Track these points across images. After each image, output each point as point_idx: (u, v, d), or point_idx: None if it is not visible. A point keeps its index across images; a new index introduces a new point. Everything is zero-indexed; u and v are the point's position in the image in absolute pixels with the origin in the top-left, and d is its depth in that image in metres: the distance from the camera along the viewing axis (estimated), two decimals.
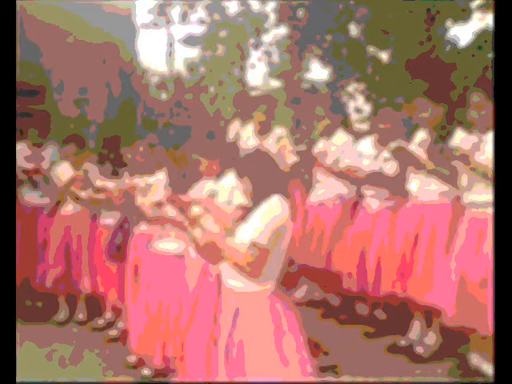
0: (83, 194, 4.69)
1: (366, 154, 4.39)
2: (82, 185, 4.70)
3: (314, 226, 4.75)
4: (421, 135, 4.01)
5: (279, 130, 4.74)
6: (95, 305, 4.80)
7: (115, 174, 4.56)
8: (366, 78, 7.57)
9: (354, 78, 7.72)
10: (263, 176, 2.53)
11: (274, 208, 2.45)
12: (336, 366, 3.66)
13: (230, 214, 2.83)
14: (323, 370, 3.34)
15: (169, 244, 3.71)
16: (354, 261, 4.34)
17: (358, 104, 7.81)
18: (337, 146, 4.69)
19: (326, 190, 4.71)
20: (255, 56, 10.96)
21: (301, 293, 5.06)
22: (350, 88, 7.86)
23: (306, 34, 7.94)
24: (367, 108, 7.66)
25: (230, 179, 3.29)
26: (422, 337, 3.97)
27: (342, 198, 4.67)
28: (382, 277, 4.10)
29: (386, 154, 4.18)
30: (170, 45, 11.79)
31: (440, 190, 3.80)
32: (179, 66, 12.11)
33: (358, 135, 4.84)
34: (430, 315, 3.89)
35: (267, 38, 10.29)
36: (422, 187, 3.86)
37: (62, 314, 4.89)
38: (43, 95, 8.30)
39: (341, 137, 4.76)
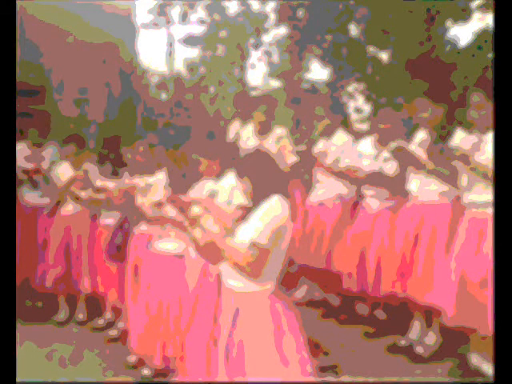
0: (83, 194, 4.69)
1: (366, 153, 4.39)
2: (82, 185, 4.70)
3: (314, 226, 4.74)
4: (421, 135, 4.01)
5: (279, 130, 4.74)
6: (95, 305, 4.80)
7: (115, 174, 4.56)
8: (365, 78, 7.57)
9: (354, 78, 7.72)
10: (263, 176, 2.52)
11: (273, 208, 2.44)
12: (336, 366, 3.66)
13: (230, 214, 2.83)
14: (323, 369, 3.33)
15: (169, 244, 3.71)
16: (354, 261, 4.33)
17: (358, 104, 7.81)
18: (337, 146, 4.69)
19: (326, 189, 4.71)
20: (255, 56, 11.00)
21: (301, 293, 5.06)
22: (350, 88, 7.85)
23: (306, 34, 7.93)
24: (367, 108, 7.66)
25: (230, 179, 3.29)
26: (422, 337, 3.97)
27: (341, 198, 4.67)
28: (381, 277, 4.10)
29: (386, 153, 4.18)
30: (170, 45, 11.80)
31: (440, 189, 3.80)
32: (179, 66, 12.14)
33: (357, 135, 4.84)
34: (430, 315, 3.89)
35: (267, 38, 10.31)
36: (422, 187, 3.86)
37: (62, 314, 4.89)
38: (43, 95, 8.33)
39: (341, 137, 4.76)
